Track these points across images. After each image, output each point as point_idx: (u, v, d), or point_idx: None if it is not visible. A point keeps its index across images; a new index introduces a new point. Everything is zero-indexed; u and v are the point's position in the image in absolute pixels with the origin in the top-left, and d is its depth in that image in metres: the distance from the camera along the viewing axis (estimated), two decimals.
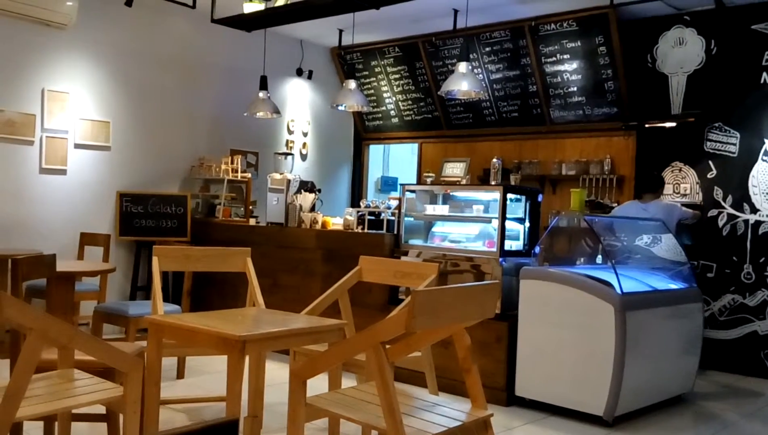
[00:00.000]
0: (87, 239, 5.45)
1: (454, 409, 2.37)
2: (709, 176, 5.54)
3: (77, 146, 5.64)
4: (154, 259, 3.34)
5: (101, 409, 2.73)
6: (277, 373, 4.13)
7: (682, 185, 5.67)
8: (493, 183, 4.71)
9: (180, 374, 4.35)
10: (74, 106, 5.61)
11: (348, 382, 2.98)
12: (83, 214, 5.66)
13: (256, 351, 3.07)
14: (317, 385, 2.69)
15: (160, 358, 2.79)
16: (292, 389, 2.36)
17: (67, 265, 4.24)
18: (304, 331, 2.78)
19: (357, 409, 2.31)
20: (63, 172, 5.56)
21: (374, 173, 8.45)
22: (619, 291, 3.72)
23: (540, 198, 4.65)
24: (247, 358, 2.67)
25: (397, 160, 8.64)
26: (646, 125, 5.81)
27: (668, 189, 5.67)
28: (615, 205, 5.71)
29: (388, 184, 8.54)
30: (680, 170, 5.69)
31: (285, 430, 3.13)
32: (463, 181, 4.86)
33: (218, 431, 0.94)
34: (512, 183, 4.80)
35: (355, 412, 2.28)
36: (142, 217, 5.93)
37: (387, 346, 2.19)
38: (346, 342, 2.57)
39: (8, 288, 4.09)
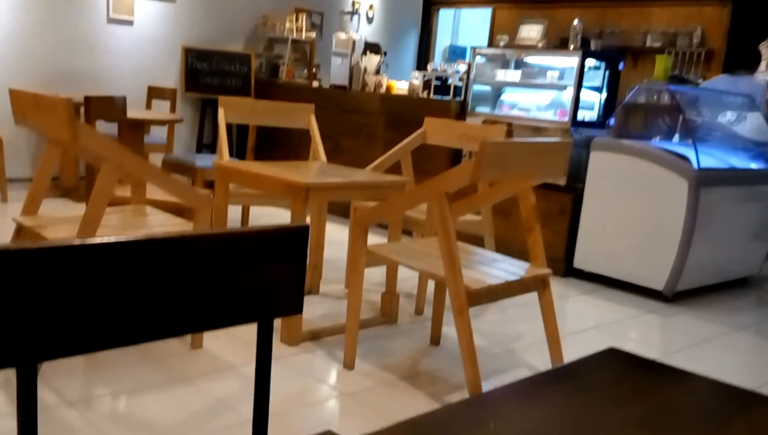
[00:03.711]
0: (154, 93, 5.51)
1: (513, 266, 2.36)
2: None
3: None
4: (220, 110, 3.35)
5: None
6: (336, 233, 4.21)
7: None
8: (571, 47, 4.42)
9: (244, 224, 4.51)
10: None
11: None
12: (150, 67, 5.70)
13: (319, 199, 3.11)
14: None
15: (227, 203, 2.86)
16: (354, 236, 2.39)
17: (137, 113, 4.32)
18: (366, 184, 2.77)
19: (416, 258, 2.33)
20: (130, 23, 5.54)
21: (442, 41, 8.09)
22: (696, 166, 3.54)
23: (621, 66, 4.36)
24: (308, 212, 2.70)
25: (467, 28, 8.23)
26: None
27: (762, 66, 5.21)
28: (700, 81, 5.32)
29: (456, 54, 8.19)
30: None
31: (343, 281, 3.24)
32: (539, 46, 4.58)
33: (290, 233, 0.94)
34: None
35: (415, 261, 2.30)
36: (207, 75, 5.93)
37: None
38: (411, 191, 2.54)
39: None
